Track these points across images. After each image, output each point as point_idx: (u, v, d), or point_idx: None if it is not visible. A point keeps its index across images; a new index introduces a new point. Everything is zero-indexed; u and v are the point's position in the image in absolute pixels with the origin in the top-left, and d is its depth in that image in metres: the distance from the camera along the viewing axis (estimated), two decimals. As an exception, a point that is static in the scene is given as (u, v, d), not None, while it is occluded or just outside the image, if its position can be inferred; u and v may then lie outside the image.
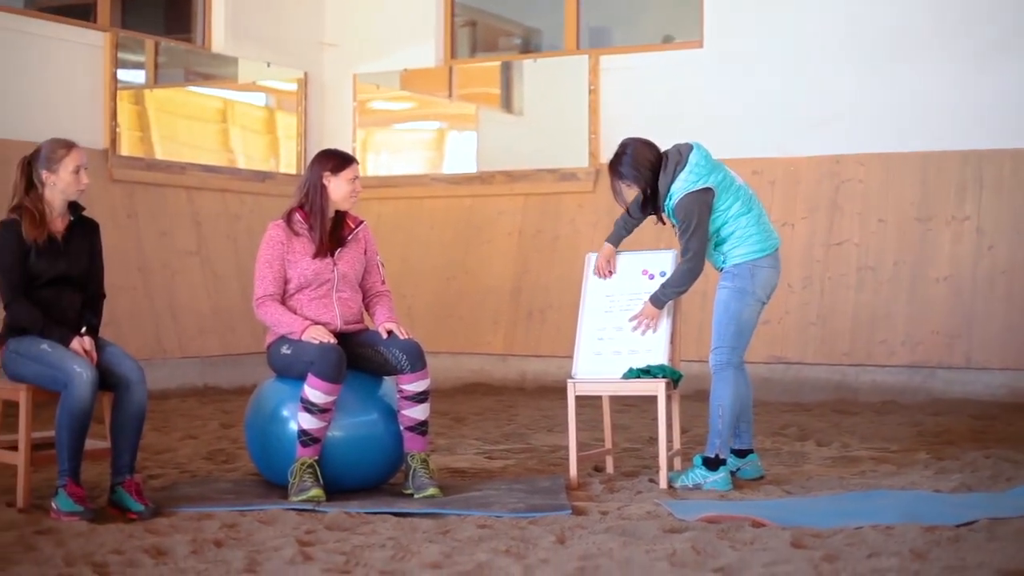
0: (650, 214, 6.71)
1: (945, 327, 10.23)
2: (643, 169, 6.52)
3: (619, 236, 6.86)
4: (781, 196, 10.97)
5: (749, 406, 6.74)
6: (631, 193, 6.67)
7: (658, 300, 6.56)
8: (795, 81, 11.10)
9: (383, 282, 6.54)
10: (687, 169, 6.43)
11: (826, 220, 10.84)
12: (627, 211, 6.80)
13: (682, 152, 6.50)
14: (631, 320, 6.63)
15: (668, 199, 6.48)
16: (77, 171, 5.84)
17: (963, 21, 10.56)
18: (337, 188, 6.33)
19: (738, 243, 6.49)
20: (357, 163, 6.44)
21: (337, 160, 6.38)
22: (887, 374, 10.31)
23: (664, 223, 6.73)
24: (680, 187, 6.42)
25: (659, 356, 6.53)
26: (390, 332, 6.26)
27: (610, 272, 6.81)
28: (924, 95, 10.63)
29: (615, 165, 6.62)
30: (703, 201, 6.40)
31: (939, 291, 10.33)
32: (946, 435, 8.22)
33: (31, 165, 5.86)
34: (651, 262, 6.78)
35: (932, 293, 10.35)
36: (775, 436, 8.26)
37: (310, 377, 5.95)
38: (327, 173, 6.33)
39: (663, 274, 6.67)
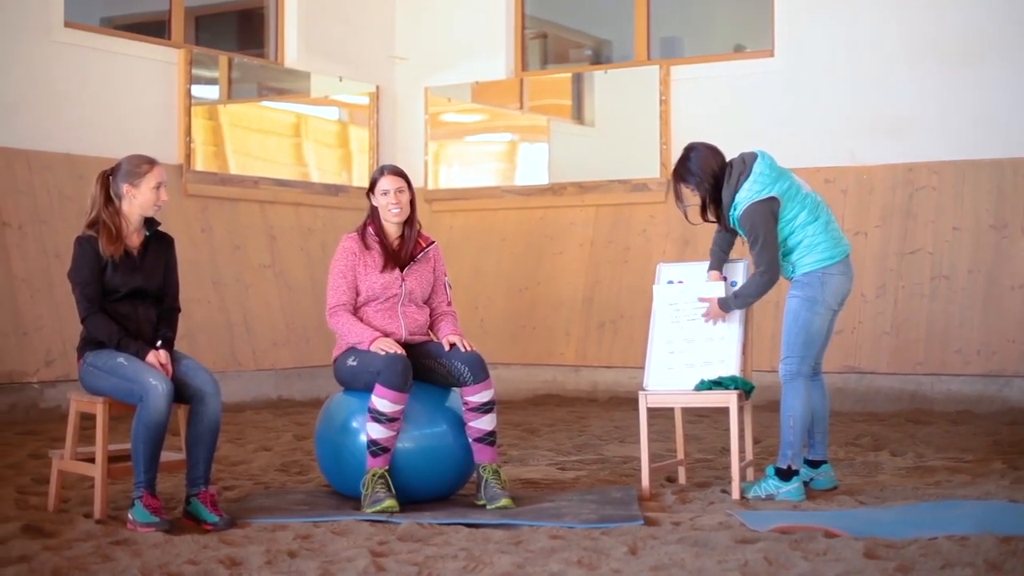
0: (711, 221, 6.67)
1: (1021, 335, 10.11)
2: (706, 174, 6.48)
3: (719, 260, 6.76)
4: (854, 205, 10.91)
5: (825, 416, 6.70)
6: (693, 198, 6.64)
7: (726, 305, 6.54)
8: (867, 89, 11.04)
9: (449, 303, 6.62)
10: (751, 178, 6.39)
11: (899, 229, 10.76)
12: (718, 228, 6.74)
13: (746, 161, 6.47)
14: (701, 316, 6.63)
15: (733, 209, 6.45)
16: (158, 187, 5.92)
17: (1037, 27, 10.48)
18: (376, 202, 6.50)
19: (806, 252, 6.45)
20: (394, 175, 6.47)
21: (372, 179, 6.56)
22: (962, 383, 10.21)
23: (728, 230, 6.69)
24: (744, 196, 6.39)
25: (731, 367, 6.51)
26: (453, 344, 6.32)
27: None
28: (997, 101, 10.53)
29: (679, 168, 6.59)
30: (768, 210, 6.36)
31: (1015, 299, 10.22)
32: (1022, 444, 8.14)
33: (110, 178, 5.94)
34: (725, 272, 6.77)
35: (1007, 301, 10.24)
36: (849, 446, 8.21)
37: (377, 386, 6.00)
38: (370, 192, 6.53)
39: (733, 284, 6.65)
